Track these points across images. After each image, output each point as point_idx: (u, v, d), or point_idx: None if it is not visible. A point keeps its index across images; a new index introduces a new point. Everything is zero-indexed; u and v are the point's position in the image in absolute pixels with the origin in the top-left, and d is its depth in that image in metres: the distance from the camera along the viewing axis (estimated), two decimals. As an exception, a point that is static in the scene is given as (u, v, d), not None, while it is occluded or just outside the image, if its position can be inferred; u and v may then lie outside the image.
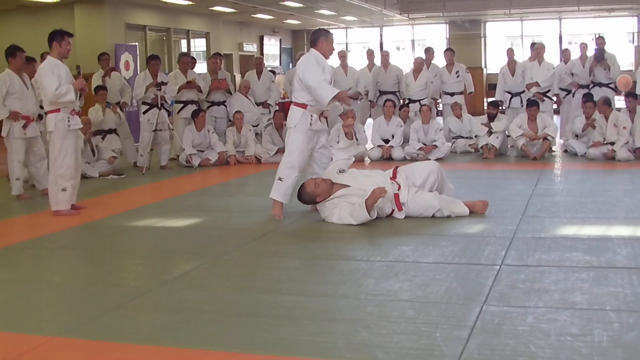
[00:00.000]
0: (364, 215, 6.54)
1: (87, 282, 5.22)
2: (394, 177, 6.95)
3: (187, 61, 12.73)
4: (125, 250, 6.26)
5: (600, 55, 12.57)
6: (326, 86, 7.16)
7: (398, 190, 6.82)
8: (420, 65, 13.49)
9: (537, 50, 12.95)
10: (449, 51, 14.07)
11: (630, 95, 11.61)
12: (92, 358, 3.69)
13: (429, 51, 14.17)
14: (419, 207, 6.83)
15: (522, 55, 19.07)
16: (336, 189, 6.92)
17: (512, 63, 13.25)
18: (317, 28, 7.78)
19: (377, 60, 14.25)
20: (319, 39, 7.36)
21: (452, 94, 13.53)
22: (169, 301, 4.61)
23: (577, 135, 11.79)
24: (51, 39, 7.73)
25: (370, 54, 14.32)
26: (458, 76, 13.60)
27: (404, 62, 14.96)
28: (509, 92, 13.19)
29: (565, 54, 13.62)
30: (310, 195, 6.94)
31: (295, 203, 7.25)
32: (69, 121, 7.68)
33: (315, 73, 7.13)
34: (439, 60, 14.39)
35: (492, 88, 14.31)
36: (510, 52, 13.47)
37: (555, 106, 13.51)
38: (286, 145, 7.42)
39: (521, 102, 12.92)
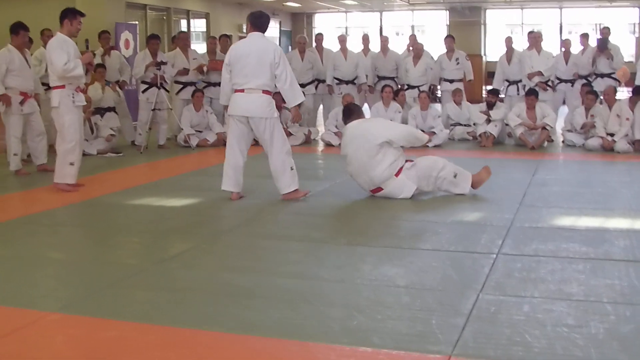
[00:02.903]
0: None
1: (83, 259, 5.22)
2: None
3: (187, 37, 12.66)
4: (122, 228, 6.25)
5: (604, 45, 12.52)
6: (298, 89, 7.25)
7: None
8: (420, 52, 13.44)
9: (535, 38, 12.88)
10: (448, 38, 13.99)
11: (635, 92, 11.50)
12: (87, 335, 3.69)
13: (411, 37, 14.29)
14: (427, 163, 7.25)
15: (522, 44, 19.01)
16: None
17: (509, 51, 13.23)
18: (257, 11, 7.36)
19: (373, 46, 14.20)
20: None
21: (451, 81, 13.48)
22: (165, 280, 4.61)
23: (575, 129, 11.74)
24: (63, 16, 7.75)
25: (365, 39, 14.23)
26: (458, 63, 13.54)
27: (403, 48, 14.88)
28: (507, 80, 13.18)
29: (565, 44, 13.53)
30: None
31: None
32: (73, 97, 7.69)
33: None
34: (439, 47, 14.32)
35: (491, 76, 14.24)
36: (508, 40, 13.39)
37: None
38: (277, 134, 7.15)
39: (517, 90, 12.90)
